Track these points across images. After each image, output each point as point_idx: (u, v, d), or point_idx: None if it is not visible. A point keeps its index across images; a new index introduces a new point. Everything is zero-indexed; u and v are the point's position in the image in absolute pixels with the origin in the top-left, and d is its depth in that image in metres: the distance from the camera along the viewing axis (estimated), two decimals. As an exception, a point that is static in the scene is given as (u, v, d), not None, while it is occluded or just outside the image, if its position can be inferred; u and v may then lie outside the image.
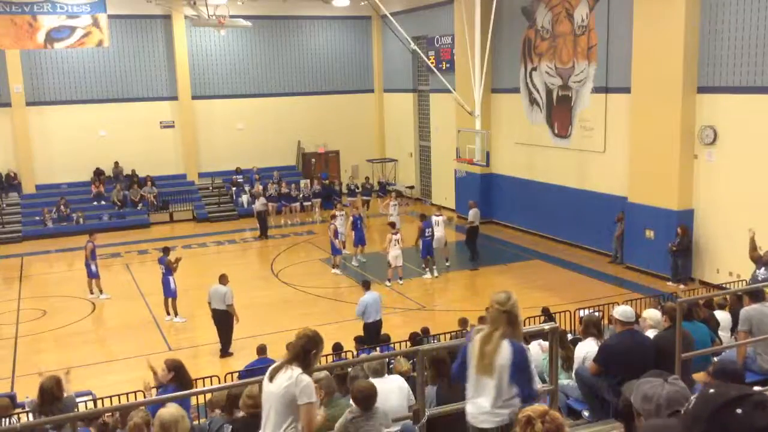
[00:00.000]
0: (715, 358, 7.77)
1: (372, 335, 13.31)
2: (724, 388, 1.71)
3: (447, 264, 19.99)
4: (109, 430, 7.99)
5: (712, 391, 1.72)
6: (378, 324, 13.75)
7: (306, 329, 4.73)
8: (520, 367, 4.70)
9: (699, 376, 6.61)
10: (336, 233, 20.08)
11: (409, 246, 19.85)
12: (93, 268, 18.22)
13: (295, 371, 4.52)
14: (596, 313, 11.13)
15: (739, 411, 1.62)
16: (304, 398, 4.47)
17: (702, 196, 17.14)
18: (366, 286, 14.36)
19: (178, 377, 7.66)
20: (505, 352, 4.68)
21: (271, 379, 4.59)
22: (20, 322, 16.68)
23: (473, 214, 20.77)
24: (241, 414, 6.35)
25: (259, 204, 24.75)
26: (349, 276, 19.76)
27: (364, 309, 13.68)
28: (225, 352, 14.12)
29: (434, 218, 19.84)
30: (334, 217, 21.02)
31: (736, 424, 1.61)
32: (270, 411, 4.57)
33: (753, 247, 12.14)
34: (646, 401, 2.38)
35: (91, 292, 18.25)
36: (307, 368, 4.57)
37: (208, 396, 8.47)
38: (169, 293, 16.32)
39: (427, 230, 19.20)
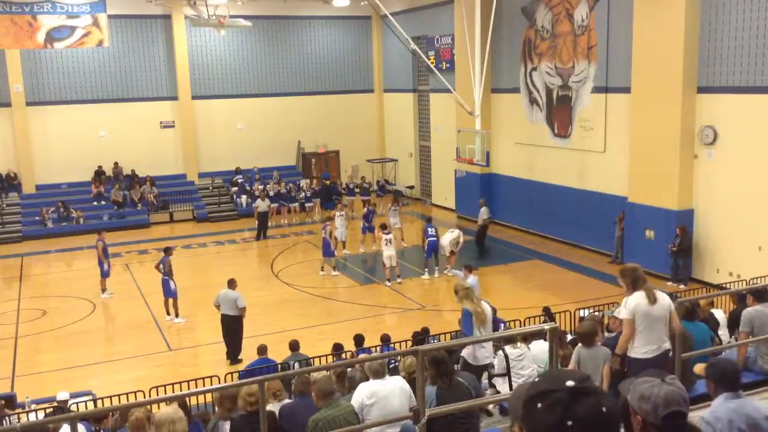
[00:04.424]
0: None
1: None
2: (546, 380, 1.82)
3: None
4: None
5: (536, 380, 1.84)
6: None
7: (625, 266, 6.87)
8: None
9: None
10: (330, 235, 19.58)
11: (404, 246, 19.77)
12: (105, 267, 18.15)
13: (661, 292, 6.52)
14: (597, 313, 11.16)
15: (539, 405, 1.74)
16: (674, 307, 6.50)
17: (702, 196, 17.13)
18: (469, 269, 14.42)
19: None
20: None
21: (653, 302, 6.32)
22: (20, 322, 16.67)
23: (482, 212, 21.52)
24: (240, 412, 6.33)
25: (263, 205, 24.72)
26: (348, 276, 19.75)
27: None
28: (235, 360, 13.76)
29: (450, 233, 19.07)
30: (330, 219, 20.90)
31: (535, 416, 1.74)
32: (655, 324, 6.32)
33: None
34: (644, 400, 2.40)
35: (103, 292, 18.17)
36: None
37: (208, 396, 8.45)
38: (170, 294, 16.31)
39: (429, 230, 19.15)
